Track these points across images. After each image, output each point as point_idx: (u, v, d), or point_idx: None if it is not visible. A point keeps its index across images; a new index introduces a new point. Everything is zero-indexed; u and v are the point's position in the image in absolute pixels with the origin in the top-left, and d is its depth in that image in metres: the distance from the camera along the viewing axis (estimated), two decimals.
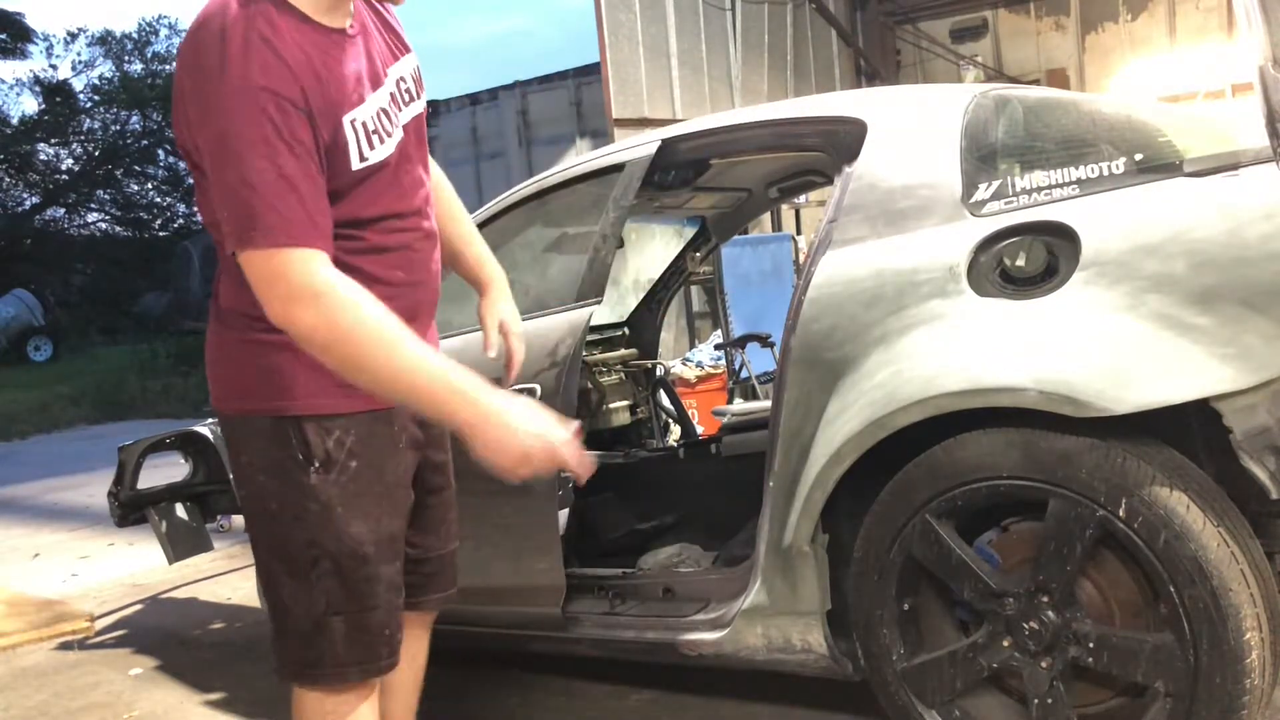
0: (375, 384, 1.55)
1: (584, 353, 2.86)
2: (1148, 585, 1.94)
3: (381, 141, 1.65)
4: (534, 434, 1.51)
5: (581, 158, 3.02)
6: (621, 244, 3.00)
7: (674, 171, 2.99)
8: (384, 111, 1.66)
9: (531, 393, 2.57)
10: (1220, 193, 1.93)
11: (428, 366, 1.51)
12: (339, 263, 1.56)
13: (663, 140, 2.75)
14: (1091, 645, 1.94)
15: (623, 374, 3.71)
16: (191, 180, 1.72)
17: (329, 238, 1.54)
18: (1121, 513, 1.86)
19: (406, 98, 1.73)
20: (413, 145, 1.73)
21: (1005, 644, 2.03)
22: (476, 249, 2.06)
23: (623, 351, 3.77)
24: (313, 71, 1.54)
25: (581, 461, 1.55)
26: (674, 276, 3.92)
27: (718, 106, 8.86)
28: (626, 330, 3.92)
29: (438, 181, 1.94)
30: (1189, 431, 2.01)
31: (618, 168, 2.79)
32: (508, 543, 2.69)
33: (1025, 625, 2.00)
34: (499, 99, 11.03)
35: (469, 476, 2.76)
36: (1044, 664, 1.99)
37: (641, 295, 4.05)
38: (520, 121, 10.80)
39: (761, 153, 2.78)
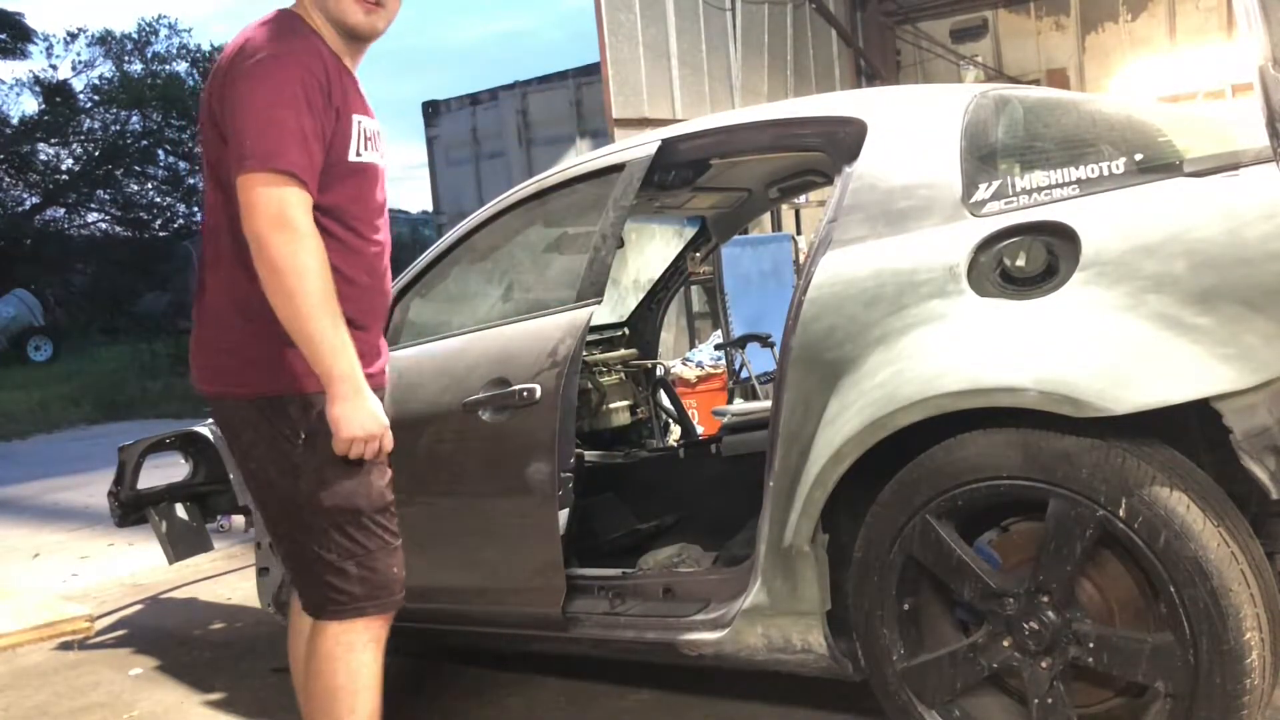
0: (290, 319, 1.86)
1: (584, 353, 2.86)
2: (1148, 585, 1.94)
3: (368, 150, 2.03)
4: (375, 419, 1.94)
5: (581, 158, 3.02)
6: (621, 244, 3.00)
7: (674, 171, 2.99)
8: (372, 136, 2.05)
9: (531, 393, 2.57)
10: (1220, 193, 1.93)
11: (334, 330, 1.87)
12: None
13: (663, 140, 2.75)
14: (1091, 645, 1.94)
15: (623, 374, 3.72)
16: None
17: (315, 187, 1.91)
18: (1121, 513, 1.86)
19: (379, 147, 2.10)
20: (381, 187, 2.11)
21: (1005, 644, 2.03)
22: None
23: (623, 351, 3.77)
24: (338, 75, 1.97)
25: (382, 454, 2.00)
26: (674, 276, 3.92)
27: (718, 106, 8.85)
28: (626, 330, 3.92)
29: None
30: (1189, 431, 2.01)
31: (618, 168, 2.79)
32: (508, 543, 2.69)
33: (1025, 625, 2.00)
34: (499, 99, 11.01)
35: (470, 478, 2.78)
36: (1044, 664, 1.98)
37: (641, 295, 4.05)
38: (520, 121, 10.79)
39: (761, 153, 2.78)
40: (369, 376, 1.99)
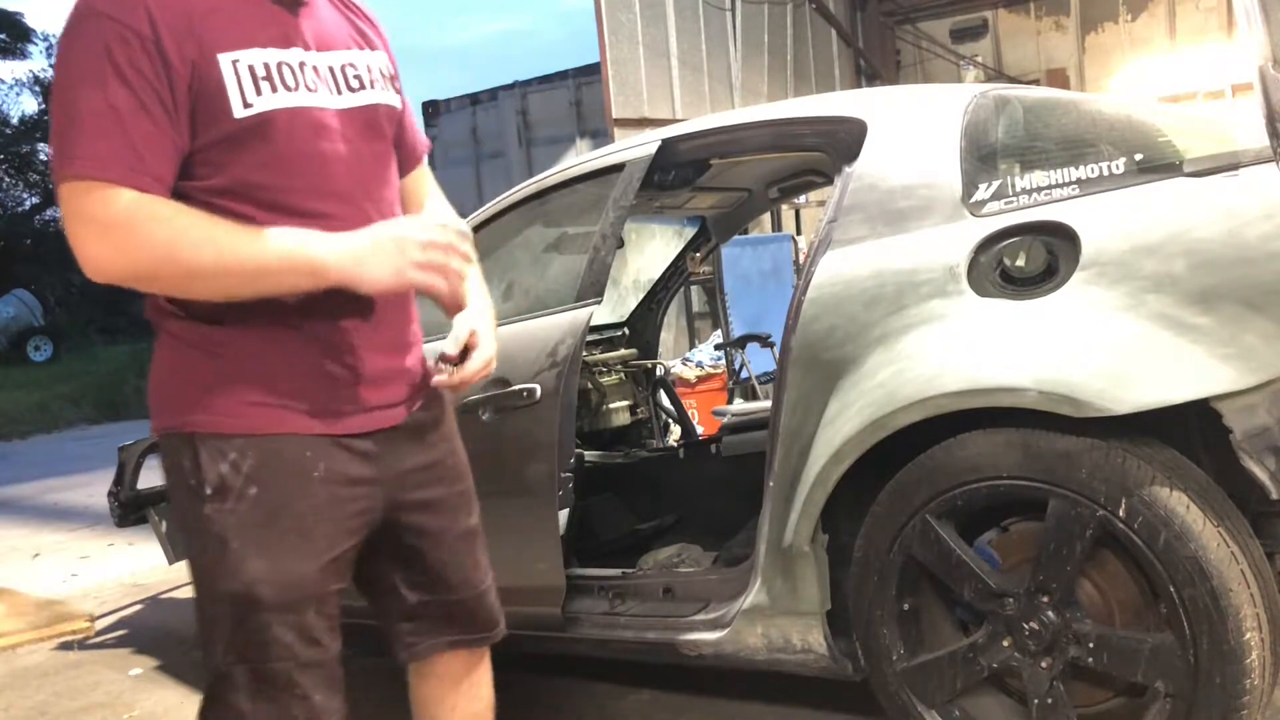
0: (216, 285, 1.38)
1: (584, 353, 2.86)
2: (1148, 585, 1.94)
3: (280, 91, 1.43)
4: (406, 241, 1.43)
5: (581, 158, 3.02)
6: (621, 244, 3.00)
7: (674, 171, 2.99)
8: (292, 68, 1.45)
9: (531, 393, 2.57)
10: (1220, 193, 1.93)
11: (260, 242, 1.36)
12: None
13: (663, 140, 2.75)
14: (1091, 645, 1.94)
15: (623, 374, 3.72)
16: None
17: (160, 180, 1.37)
18: (1121, 513, 1.86)
19: (354, 83, 1.53)
20: (360, 136, 1.52)
21: (1005, 644, 2.03)
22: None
23: (623, 351, 3.77)
24: (182, 8, 1.38)
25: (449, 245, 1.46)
26: (674, 276, 3.92)
27: (718, 106, 8.86)
28: (626, 330, 3.92)
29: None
30: (1189, 431, 2.01)
31: (618, 168, 2.79)
32: (508, 543, 2.68)
33: (1025, 625, 2.00)
34: (499, 99, 11.02)
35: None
36: (1044, 664, 1.98)
37: (641, 295, 4.05)
38: (520, 121, 10.80)
39: (761, 153, 2.78)
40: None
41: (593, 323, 2.72)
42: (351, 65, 1.54)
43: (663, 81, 8.43)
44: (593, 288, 2.68)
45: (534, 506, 2.58)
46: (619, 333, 3.89)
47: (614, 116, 7.75)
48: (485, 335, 1.67)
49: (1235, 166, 1.94)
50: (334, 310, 1.47)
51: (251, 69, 1.41)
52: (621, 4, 7.96)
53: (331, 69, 1.51)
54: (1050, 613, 1.97)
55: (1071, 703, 1.99)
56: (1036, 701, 1.99)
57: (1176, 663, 1.85)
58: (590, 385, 3.55)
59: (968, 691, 2.11)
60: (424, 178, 1.78)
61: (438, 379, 1.61)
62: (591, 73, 9.28)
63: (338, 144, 1.49)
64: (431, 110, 11.44)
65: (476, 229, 3.04)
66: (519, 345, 2.66)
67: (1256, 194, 1.89)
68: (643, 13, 8.16)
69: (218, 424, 1.44)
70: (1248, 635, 1.81)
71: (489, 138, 11.09)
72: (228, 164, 1.41)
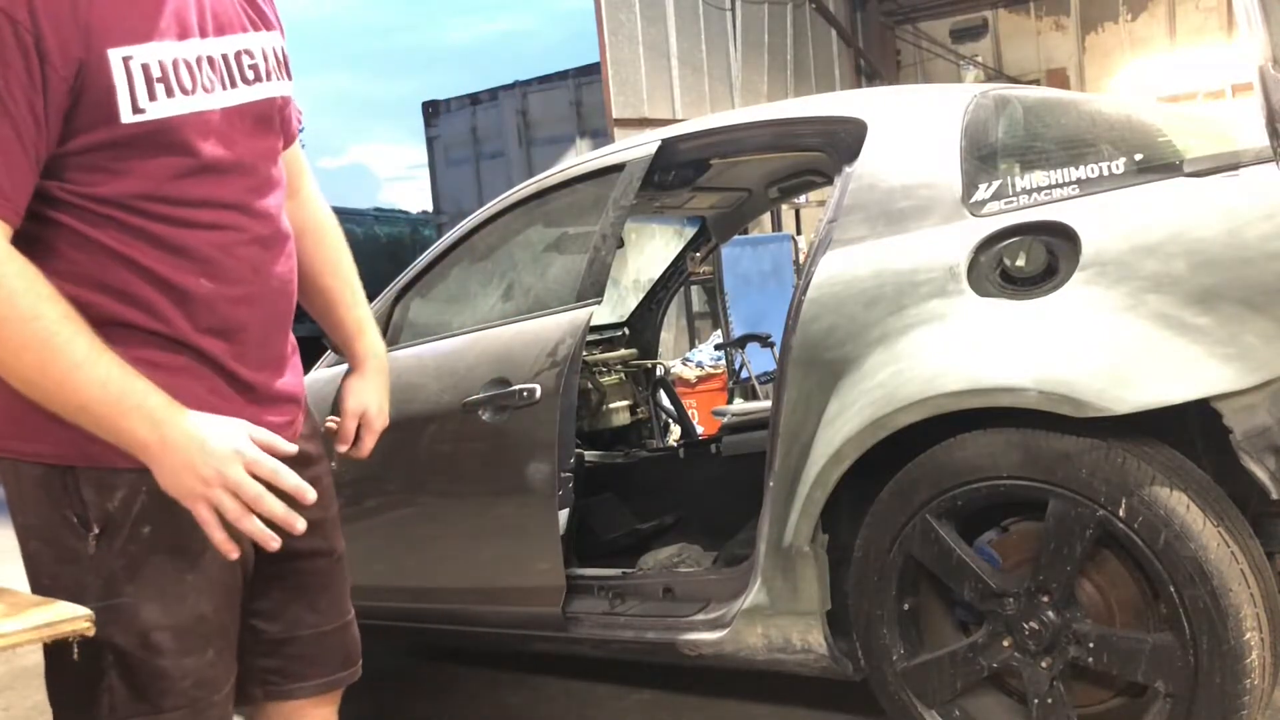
0: (34, 393, 1.21)
1: (584, 353, 2.86)
2: (1148, 585, 1.94)
3: (171, 95, 1.26)
4: (207, 457, 1.21)
5: (581, 158, 3.02)
6: (621, 244, 3.00)
7: (674, 171, 2.99)
8: (189, 65, 1.28)
9: (531, 393, 2.57)
10: (1220, 193, 1.93)
11: (101, 372, 1.18)
12: (105, 250, 1.25)
13: (663, 140, 2.75)
14: (1091, 645, 1.94)
15: (623, 374, 3.72)
16: None
17: (14, 206, 1.20)
18: (1121, 513, 1.86)
19: (250, 74, 1.37)
20: (253, 133, 1.38)
21: (1005, 644, 2.03)
22: (357, 313, 1.64)
23: (623, 351, 3.77)
24: None
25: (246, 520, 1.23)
26: (674, 276, 3.92)
27: (718, 106, 8.86)
28: (626, 330, 3.92)
29: (322, 222, 1.63)
30: (1189, 431, 2.01)
31: (618, 168, 2.79)
32: (508, 543, 2.69)
33: (1025, 625, 1.99)
34: (499, 99, 11.03)
35: (470, 478, 2.78)
36: (1044, 664, 1.98)
37: (641, 295, 4.05)
38: (520, 121, 10.80)
39: (762, 153, 2.78)
40: (272, 404, 1.40)
41: (593, 323, 2.72)
42: (248, 53, 1.38)
43: (663, 81, 8.44)
44: (593, 288, 2.68)
45: (534, 506, 2.58)
46: (619, 333, 3.89)
47: (614, 116, 7.76)
48: (380, 411, 1.61)
49: (1235, 166, 1.94)
50: (224, 326, 1.33)
51: (146, 69, 1.24)
52: (621, 4, 7.96)
53: (226, 58, 1.34)
54: (1050, 613, 1.97)
55: (1071, 703, 1.99)
56: (1036, 701, 1.99)
57: (1176, 663, 1.85)
58: (590, 385, 3.55)
59: (968, 691, 2.11)
60: (296, 159, 1.60)
61: (338, 447, 1.58)
62: (591, 73, 9.29)
63: (229, 148, 1.33)
64: (431, 110, 11.45)
65: (477, 229, 3.04)
66: (519, 345, 2.67)
67: (1256, 194, 1.89)
68: (643, 13, 8.17)
69: (104, 456, 1.26)
70: (1248, 635, 1.81)
71: (489, 138, 11.09)
72: (111, 171, 1.26)
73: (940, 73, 12.18)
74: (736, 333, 6.73)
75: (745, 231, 6.77)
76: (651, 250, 5.87)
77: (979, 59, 12.08)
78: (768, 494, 2.27)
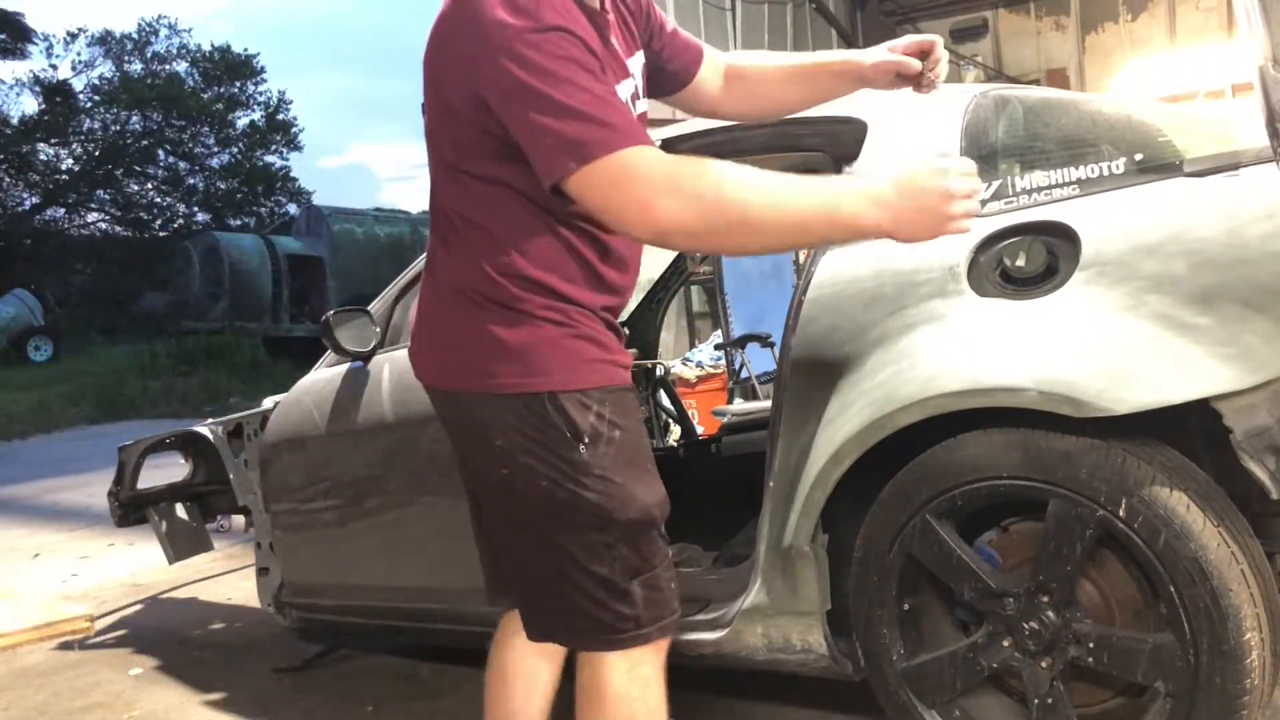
0: (770, 239, 1.54)
1: None
2: (1148, 585, 1.94)
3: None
4: (939, 193, 1.50)
5: None
6: None
7: None
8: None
9: None
10: (1220, 193, 1.93)
11: (805, 195, 1.51)
12: (562, 240, 1.65)
13: (663, 140, 2.75)
14: (1091, 645, 1.94)
15: None
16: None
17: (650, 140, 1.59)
18: (1121, 513, 1.86)
19: (637, 97, 1.74)
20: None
21: (1005, 644, 2.03)
22: (806, 58, 2.02)
23: None
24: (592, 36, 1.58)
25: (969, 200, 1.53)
26: (674, 276, 3.92)
27: None
28: (626, 330, 3.91)
29: (735, 66, 2.03)
30: (1189, 431, 2.01)
31: None
32: None
33: (1025, 625, 2.00)
34: None
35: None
36: (1044, 664, 1.99)
37: (641, 295, 4.05)
38: None
39: (761, 153, 2.78)
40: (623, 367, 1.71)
41: None
42: (635, 76, 1.78)
43: None
44: None
45: None
46: None
47: None
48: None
49: (1235, 166, 1.94)
50: (619, 280, 1.73)
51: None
52: None
53: (635, 86, 1.79)
54: (1050, 613, 1.97)
55: (1071, 703, 1.99)
56: (1036, 701, 1.99)
57: (1176, 663, 1.85)
58: None
59: (968, 691, 2.11)
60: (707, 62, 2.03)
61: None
62: None
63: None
64: None
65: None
66: None
67: (1256, 194, 1.89)
68: None
69: (576, 380, 1.63)
70: (1248, 635, 1.81)
71: None
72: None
73: None
74: (736, 333, 6.72)
75: None
76: (652, 250, 5.86)
77: (979, 59, 12.07)
78: (767, 494, 2.27)
